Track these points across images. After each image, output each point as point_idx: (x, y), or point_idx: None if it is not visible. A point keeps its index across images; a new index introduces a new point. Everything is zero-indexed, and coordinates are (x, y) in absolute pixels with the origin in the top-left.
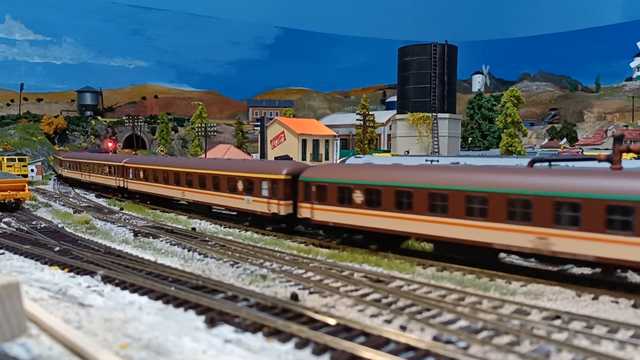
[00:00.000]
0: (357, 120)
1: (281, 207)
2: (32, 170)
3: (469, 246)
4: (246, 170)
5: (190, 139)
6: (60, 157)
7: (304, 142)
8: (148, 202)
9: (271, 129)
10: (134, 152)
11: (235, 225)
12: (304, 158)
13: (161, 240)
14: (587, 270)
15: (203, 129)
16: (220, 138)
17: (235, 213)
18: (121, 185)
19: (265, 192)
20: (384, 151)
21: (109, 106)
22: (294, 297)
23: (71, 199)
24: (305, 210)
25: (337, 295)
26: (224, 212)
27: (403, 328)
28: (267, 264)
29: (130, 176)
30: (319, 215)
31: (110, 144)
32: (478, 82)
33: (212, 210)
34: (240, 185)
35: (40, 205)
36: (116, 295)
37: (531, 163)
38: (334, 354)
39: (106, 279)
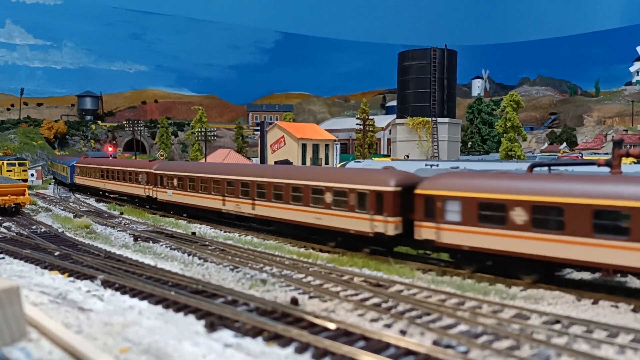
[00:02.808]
0: (357, 124)
1: None
2: (32, 175)
3: None
4: None
5: (190, 143)
6: (153, 170)
7: (304, 146)
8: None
9: (271, 133)
10: (134, 157)
11: (235, 229)
12: (303, 162)
13: (161, 245)
14: (586, 275)
15: (203, 134)
16: (220, 142)
17: None
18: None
19: None
20: (384, 155)
21: (109, 111)
22: (294, 301)
23: (71, 204)
24: None
25: (337, 300)
26: None
27: (403, 332)
28: (267, 268)
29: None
30: None
31: (110, 149)
32: (478, 87)
33: None
34: None
35: (40, 209)
36: (116, 300)
37: (531, 167)
38: (334, 358)
39: (106, 284)
